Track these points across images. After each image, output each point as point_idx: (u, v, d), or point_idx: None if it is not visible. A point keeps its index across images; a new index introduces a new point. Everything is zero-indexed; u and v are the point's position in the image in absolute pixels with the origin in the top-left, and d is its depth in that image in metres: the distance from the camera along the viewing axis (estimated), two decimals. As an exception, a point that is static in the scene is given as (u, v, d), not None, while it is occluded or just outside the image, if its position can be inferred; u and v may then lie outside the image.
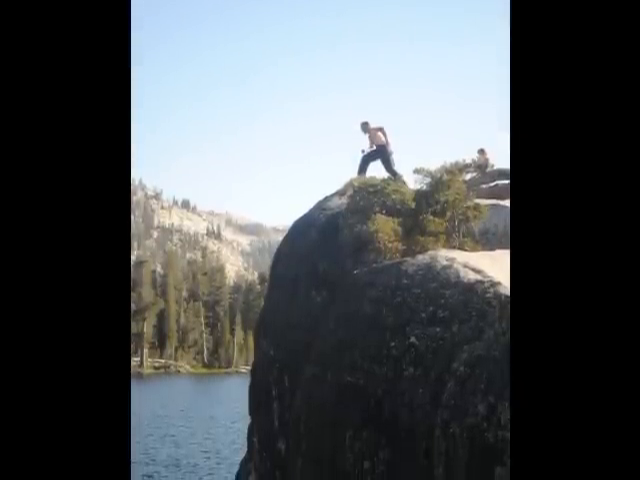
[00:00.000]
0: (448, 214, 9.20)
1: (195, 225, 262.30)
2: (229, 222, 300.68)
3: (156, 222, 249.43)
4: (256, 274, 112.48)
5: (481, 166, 12.92)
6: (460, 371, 5.67)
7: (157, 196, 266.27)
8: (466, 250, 8.43)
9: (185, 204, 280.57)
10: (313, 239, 10.32)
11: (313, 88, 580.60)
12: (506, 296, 5.87)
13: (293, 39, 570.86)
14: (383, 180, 10.64)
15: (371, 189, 9.97)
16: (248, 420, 10.90)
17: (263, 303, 14.84)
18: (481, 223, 9.50)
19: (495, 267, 6.81)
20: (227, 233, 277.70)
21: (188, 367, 77.15)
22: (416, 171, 9.96)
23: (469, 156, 12.51)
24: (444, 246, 8.58)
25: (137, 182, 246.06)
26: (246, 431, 11.05)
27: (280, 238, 13.64)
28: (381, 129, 12.16)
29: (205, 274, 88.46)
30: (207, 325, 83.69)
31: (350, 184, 10.89)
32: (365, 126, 12.21)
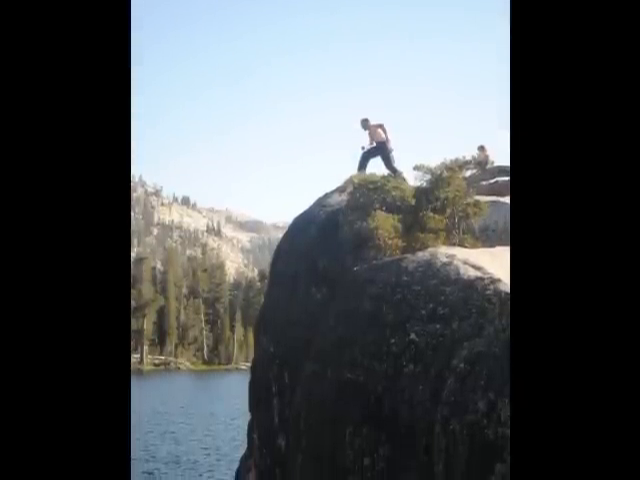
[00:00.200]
0: (448, 211, 9.20)
1: (195, 222, 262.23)
2: (229, 219, 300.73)
3: (156, 219, 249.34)
4: (256, 271, 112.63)
5: (481, 163, 12.91)
6: (460, 368, 5.67)
7: (157, 193, 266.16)
8: (466, 247, 8.43)
9: (185, 201, 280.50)
10: (313, 236, 10.31)
11: (315, 85, 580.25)
12: (506, 293, 5.88)
13: (286, 38, 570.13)
14: (383, 177, 10.63)
15: (371, 186, 9.97)
16: (248, 417, 10.91)
17: (263, 300, 14.85)
18: (481, 220, 9.50)
19: (495, 264, 6.82)
20: (227, 230, 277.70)
21: (188, 364, 77.20)
22: (416, 168, 9.97)
23: (469, 153, 12.49)
24: (444, 243, 8.58)
25: (137, 179, 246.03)
26: (246, 428, 11.06)
27: (280, 235, 13.65)
28: (381, 126, 12.15)
29: (205, 271, 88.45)
30: (207, 322, 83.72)
31: (350, 181, 10.88)
32: (365, 123, 12.21)
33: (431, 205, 9.22)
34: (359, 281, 7.85)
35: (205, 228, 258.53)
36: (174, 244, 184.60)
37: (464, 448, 5.23)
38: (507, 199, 9.48)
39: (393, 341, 6.50)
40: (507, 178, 11.52)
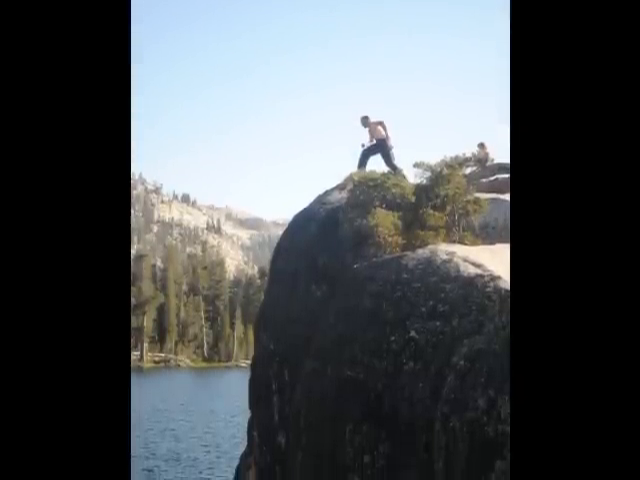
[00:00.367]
0: (448, 208, 9.20)
1: (195, 219, 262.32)
2: (229, 216, 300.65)
3: (156, 216, 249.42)
4: (256, 268, 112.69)
5: (481, 160, 12.89)
6: (460, 365, 5.67)
7: (157, 190, 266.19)
8: (466, 244, 8.43)
9: (185, 198, 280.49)
10: (313, 233, 10.31)
11: (314, 82, 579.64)
12: (506, 290, 5.87)
13: (285, 36, 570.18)
14: (383, 174, 10.61)
15: (371, 183, 9.96)
16: (248, 414, 10.91)
17: (263, 297, 14.83)
18: (481, 217, 9.49)
19: (495, 261, 6.81)
20: (227, 227, 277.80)
21: (188, 361, 77.30)
22: (416, 165, 9.95)
23: (469, 150, 12.48)
24: (444, 240, 8.58)
25: (137, 176, 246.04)
26: (246, 425, 11.06)
27: (280, 232, 13.64)
28: (381, 123, 12.14)
29: (205, 268, 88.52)
30: (207, 319, 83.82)
31: (350, 178, 10.87)
32: (365, 120, 12.20)
33: (431, 202, 9.21)
34: (359, 278, 7.85)
35: (205, 225, 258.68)
36: (174, 241, 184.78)
37: (464, 445, 5.23)
38: (507, 196, 9.47)
39: (393, 338, 6.50)
40: (507, 175, 11.51)
